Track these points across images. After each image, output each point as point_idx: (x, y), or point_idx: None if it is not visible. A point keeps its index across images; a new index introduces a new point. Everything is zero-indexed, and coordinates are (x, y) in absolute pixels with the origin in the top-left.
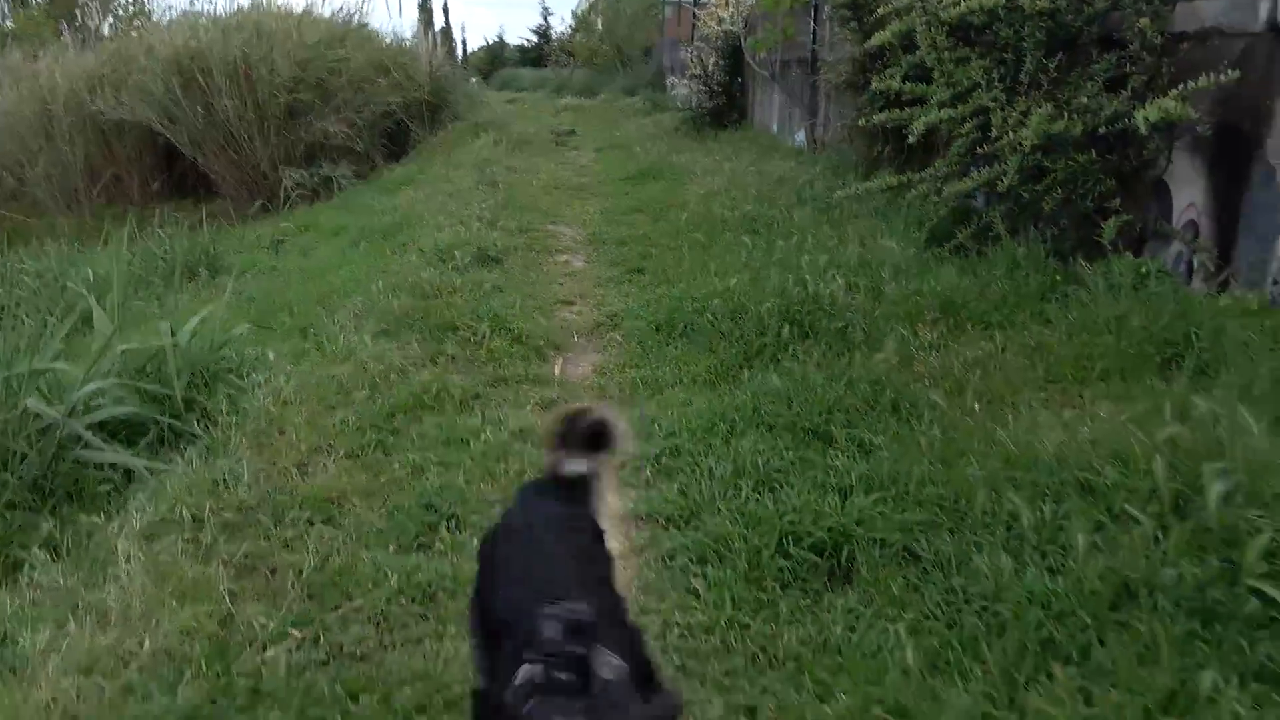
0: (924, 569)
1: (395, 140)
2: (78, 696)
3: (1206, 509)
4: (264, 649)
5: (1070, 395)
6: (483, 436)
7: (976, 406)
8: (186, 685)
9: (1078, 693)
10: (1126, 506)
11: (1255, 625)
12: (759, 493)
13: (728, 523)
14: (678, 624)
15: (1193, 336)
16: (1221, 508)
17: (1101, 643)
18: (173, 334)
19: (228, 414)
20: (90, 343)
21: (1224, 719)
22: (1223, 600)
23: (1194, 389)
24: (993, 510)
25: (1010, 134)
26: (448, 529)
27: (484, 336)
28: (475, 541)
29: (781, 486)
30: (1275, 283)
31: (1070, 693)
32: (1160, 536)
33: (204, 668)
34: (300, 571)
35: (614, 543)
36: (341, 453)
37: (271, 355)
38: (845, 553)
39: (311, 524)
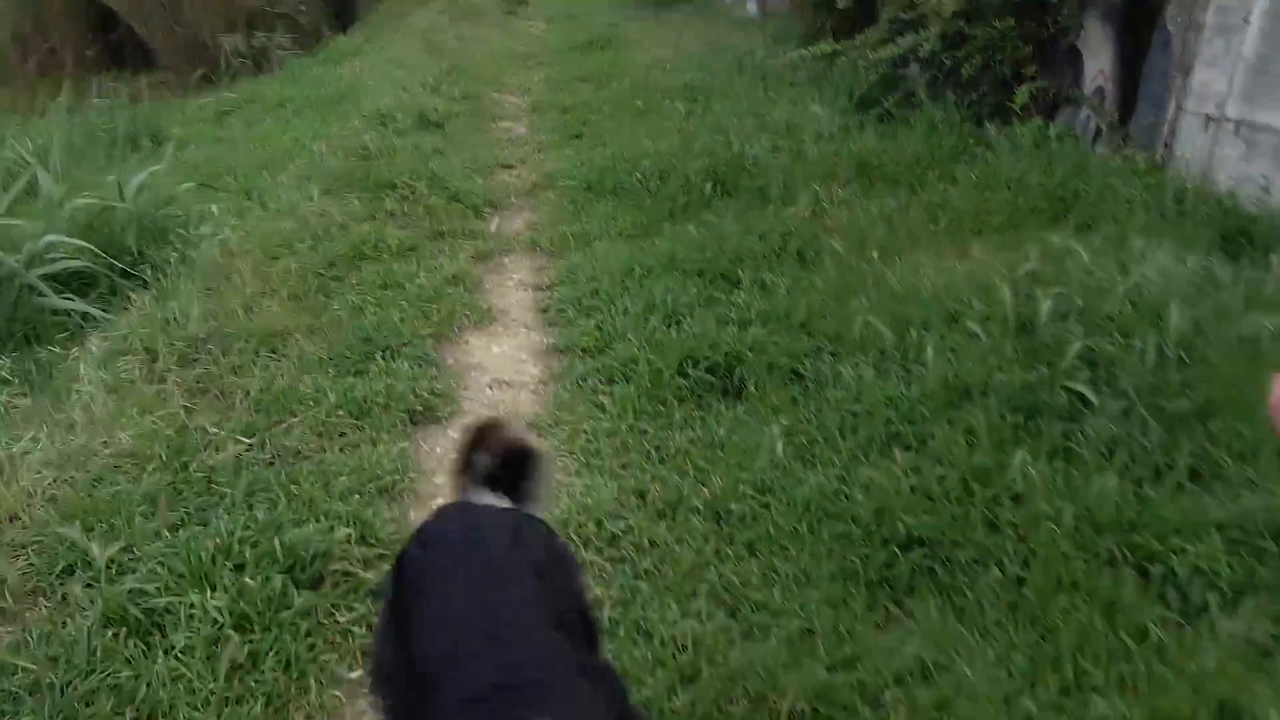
0: (805, 386)
1: (343, 10)
2: (54, 485)
3: (1039, 327)
4: (216, 451)
5: (963, 246)
6: (418, 280)
7: (875, 255)
8: (149, 476)
9: (911, 470)
10: (972, 325)
11: (1064, 417)
12: (666, 325)
13: (635, 349)
14: (585, 431)
15: (1082, 192)
16: (1050, 324)
17: (933, 437)
18: (120, 191)
19: (176, 265)
20: (37, 208)
21: (1022, 484)
22: (1043, 398)
23: (1075, 237)
24: (868, 336)
25: (933, 0)
26: (383, 358)
27: (422, 195)
28: (407, 366)
29: (686, 320)
30: (1165, 145)
31: (904, 470)
32: (1000, 350)
33: (164, 462)
34: (248, 392)
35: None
36: (285, 295)
37: (216, 210)
38: (737, 374)
39: (258, 354)
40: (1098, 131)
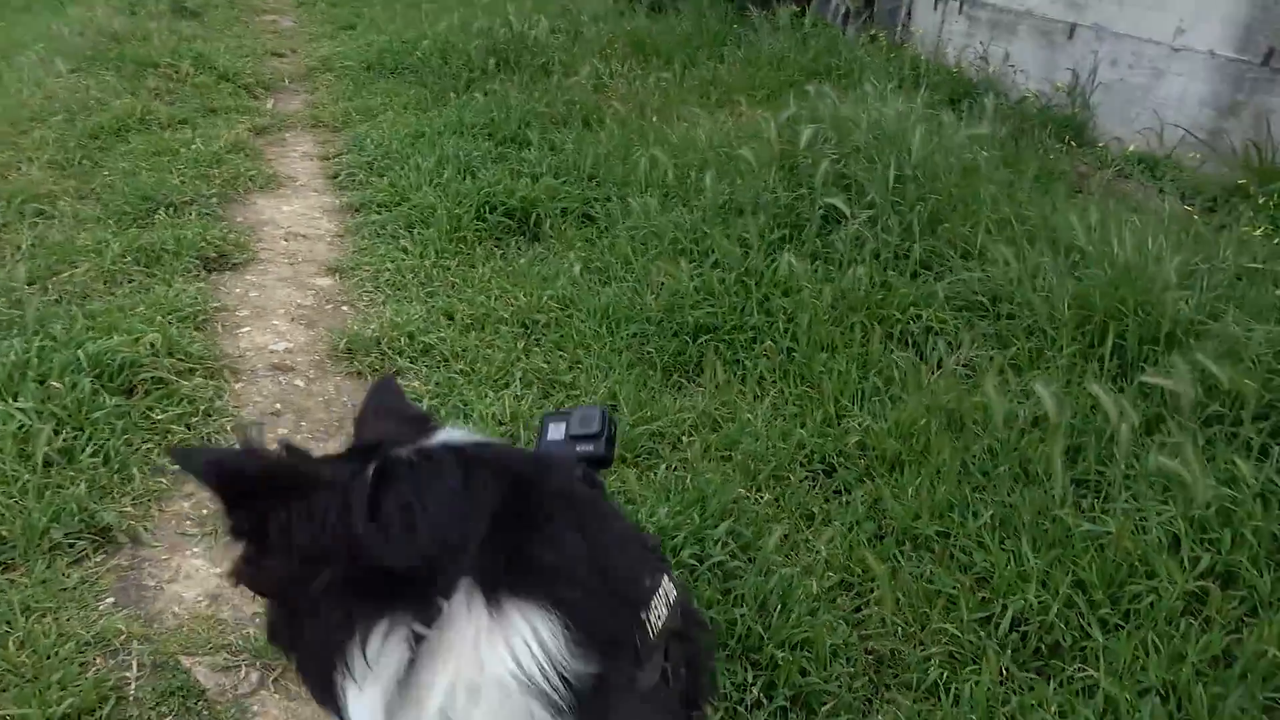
0: (599, 227)
1: None
2: None
3: (799, 154)
4: None
5: (734, 108)
6: (194, 147)
7: (655, 118)
8: None
9: (695, 275)
10: (746, 155)
11: (822, 226)
12: (461, 177)
13: (432, 198)
14: (389, 269)
15: (834, 65)
16: (809, 151)
17: (714, 250)
18: None
19: None
20: None
21: (789, 279)
22: (804, 212)
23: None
24: (653, 179)
25: None
26: (166, 212)
27: (188, 74)
28: (195, 219)
29: (481, 172)
30: (903, 25)
31: (690, 275)
32: (767, 178)
33: None
34: (19, 246)
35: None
36: (44, 161)
37: None
38: (534, 217)
39: (23, 215)
40: (846, 15)
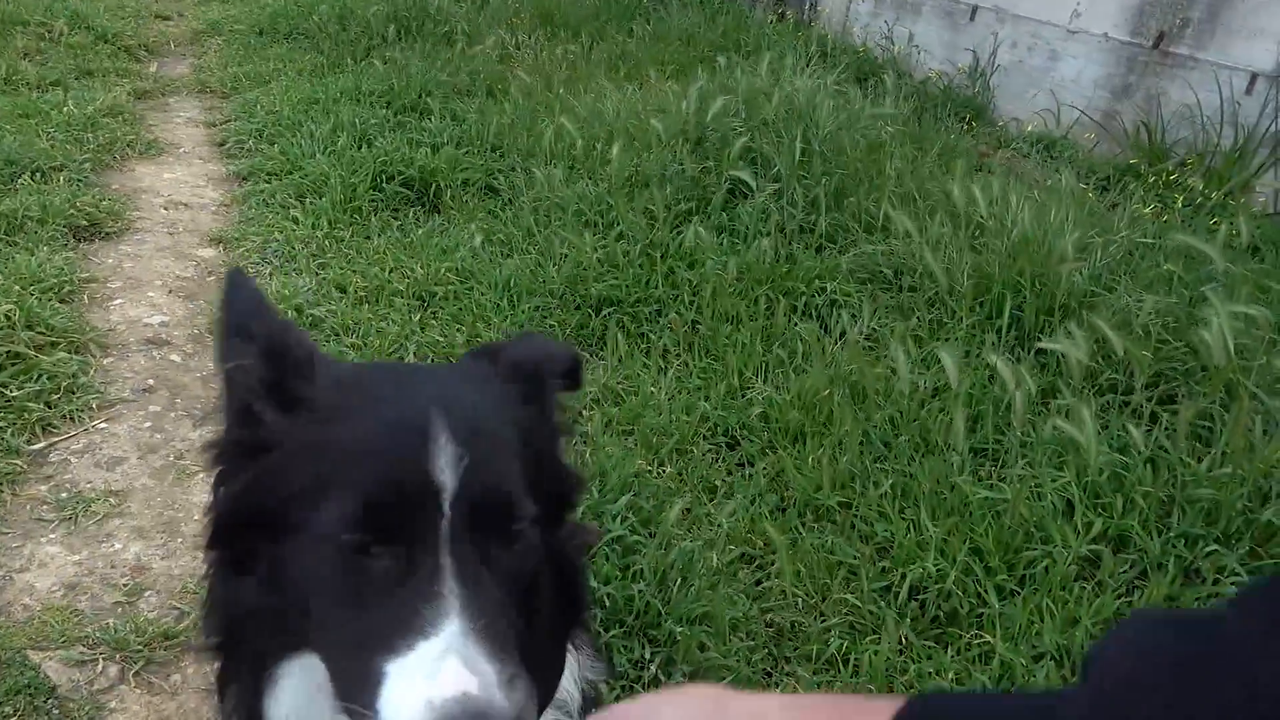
0: (502, 200)
1: None
2: None
3: (707, 126)
4: None
5: (643, 81)
6: (66, 110)
7: (562, 90)
8: None
9: (599, 247)
10: (655, 126)
11: (729, 198)
12: (357, 146)
13: (325, 167)
14: (277, 239)
15: (742, 42)
16: (717, 122)
17: (619, 221)
18: None
19: None
20: None
21: (694, 251)
22: (711, 185)
23: (738, 63)
24: (559, 149)
25: None
26: (31, 178)
27: (62, 34)
28: (63, 185)
29: (378, 141)
30: (810, 5)
31: (594, 247)
32: (676, 150)
33: None
34: None
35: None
36: None
37: None
38: (433, 188)
39: None
40: None
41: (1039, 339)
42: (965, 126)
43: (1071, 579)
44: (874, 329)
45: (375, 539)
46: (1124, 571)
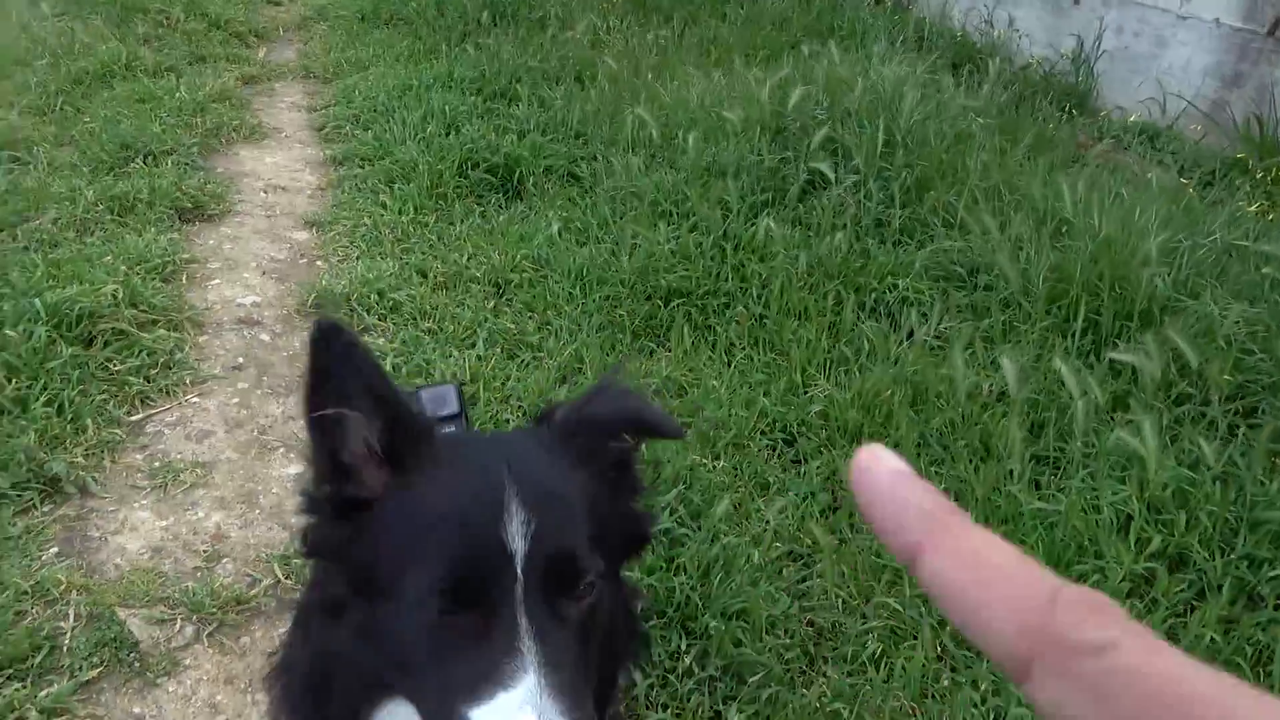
0: (583, 187)
1: None
2: None
3: (787, 116)
4: None
5: (731, 67)
6: (178, 96)
7: (650, 75)
8: None
9: (672, 238)
10: (731, 118)
11: (806, 190)
12: (445, 133)
13: (415, 154)
14: (366, 224)
15: (837, 26)
16: (797, 113)
17: (693, 213)
18: None
19: None
20: None
21: (766, 243)
22: (789, 176)
23: (826, 48)
24: (639, 138)
25: None
26: (143, 161)
27: (178, 20)
28: (171, 168)
29: (465, 128)
30: None
31: (667, 238)
32: (754, 140)
33: None
34: None
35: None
36: (25, 105)
37: None
38: (517, 175)
39: None
40: None
41: (1115, 344)
42: (1065, 116)
43: (1124, 596)
44: (944, 329)
45: (460, 603)
46: (1180, 591)
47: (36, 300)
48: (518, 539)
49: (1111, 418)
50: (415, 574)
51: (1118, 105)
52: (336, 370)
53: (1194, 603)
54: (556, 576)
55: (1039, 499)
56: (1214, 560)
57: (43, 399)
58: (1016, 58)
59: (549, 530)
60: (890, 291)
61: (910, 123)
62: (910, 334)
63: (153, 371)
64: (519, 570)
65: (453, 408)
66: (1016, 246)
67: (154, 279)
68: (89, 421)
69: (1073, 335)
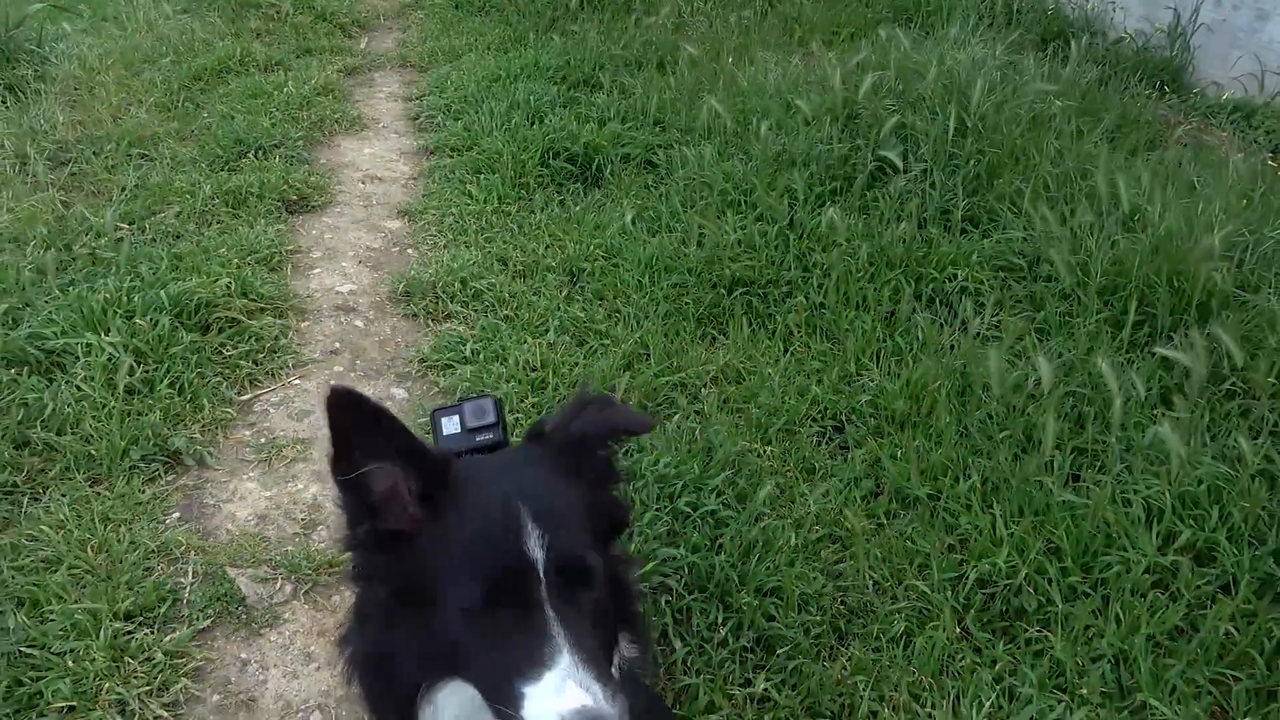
0: (658, 174)
1: None
2: None
3: (858, 104)
4: (98, 236)
5: (810, 49)
6: (286, 90)
7: (730, 60)
8: (33, 251)
9: (738, 228)
10: (802, 106)
11: (873, 179)
12: (529, 123)
13: (500, 144)
14: (453, 213)
15: (925, 2)
16: (868, 101)
17: (760, 200)
18: None
19: (34, 81)
20: None
21: (830, 233)
22: (857, 165)
23: (903, 32)
24: (714, 125)
25: None
26: (254, 156)
27: (287, 14)
28: (279, 162)
29: (549, 117)
30: None
31: (734, 227)
32: (824, 128)
33: (46, 240)
34: (123, 187)
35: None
36: (152, 104)
37: (70, 30)
38: (595, 164)
39: (129, 156)
40: None
41: (1170, 339)
42: (1157, 93)
43: (1148, 587)
44: (999, 320)
45: (499, 605)
46: (1204, 584)
47: (162, 292)
48: (537, 550)
49: (1155, 412)
50: (459, 586)
51: (1213, 81)
52: (359, 433)
53: (1220, 595)
54: (570, 575)
55: (1075, 492)
56: (1241, 555)
57: (166, 381)
58: (1110, 32)
59: (559, 540)
60: (950, 282)
61: (982, 109)
62: (964, 325)
63: (260, 355)
64: (541, 574)
65: (491, 418)
66: (1076, 238)
67: (262, 269)
68: (205, 401)
69: (1125, 329)
